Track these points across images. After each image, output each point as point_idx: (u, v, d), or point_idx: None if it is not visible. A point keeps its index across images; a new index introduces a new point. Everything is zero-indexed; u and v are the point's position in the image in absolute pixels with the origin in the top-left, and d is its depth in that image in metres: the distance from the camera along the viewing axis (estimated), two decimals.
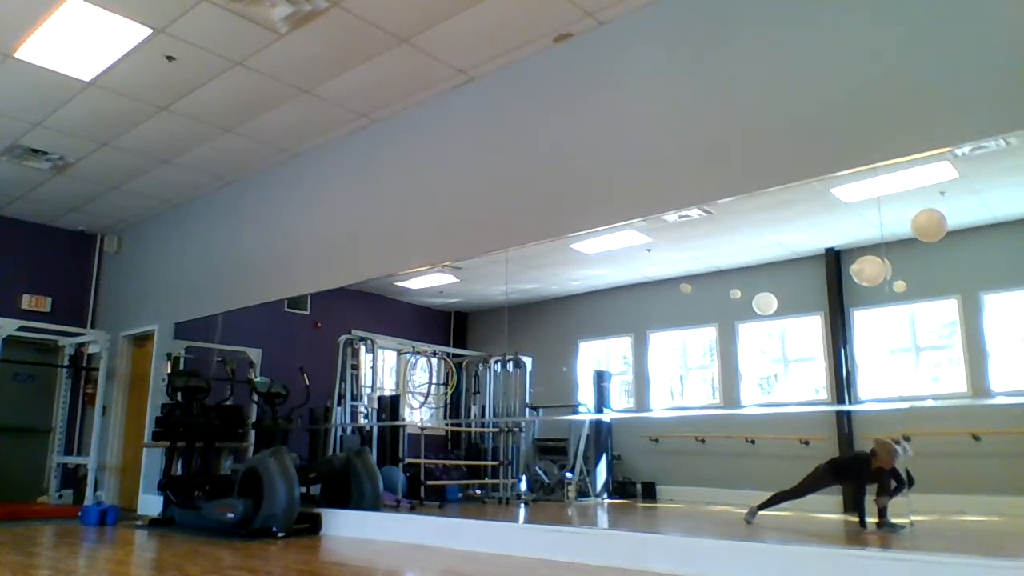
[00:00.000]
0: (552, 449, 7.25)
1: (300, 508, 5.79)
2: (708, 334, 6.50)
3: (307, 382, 6.58)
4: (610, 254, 5.97)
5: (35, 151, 7.03)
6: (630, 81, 4.87)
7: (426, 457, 7.05)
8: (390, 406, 7.60)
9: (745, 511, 4.94)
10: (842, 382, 5.50)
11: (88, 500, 7.87)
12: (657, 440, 6.63)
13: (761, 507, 4.91)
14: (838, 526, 4.98)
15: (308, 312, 7.32)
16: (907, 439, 4.40)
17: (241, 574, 3.97)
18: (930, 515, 4.46)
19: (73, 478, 8.67)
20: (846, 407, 5.42)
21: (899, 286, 4.33)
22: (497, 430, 7.42)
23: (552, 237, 5.17)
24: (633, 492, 6.63)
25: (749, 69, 4.32)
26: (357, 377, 7.55)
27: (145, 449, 7.94)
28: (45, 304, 8.97)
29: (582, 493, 6.88)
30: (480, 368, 7.47)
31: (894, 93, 3.76)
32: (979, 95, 3.51)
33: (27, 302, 8.82)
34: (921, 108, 3.69)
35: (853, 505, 4.92)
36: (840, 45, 4.00)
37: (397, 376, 7.76)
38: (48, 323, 8.54)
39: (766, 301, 5.85)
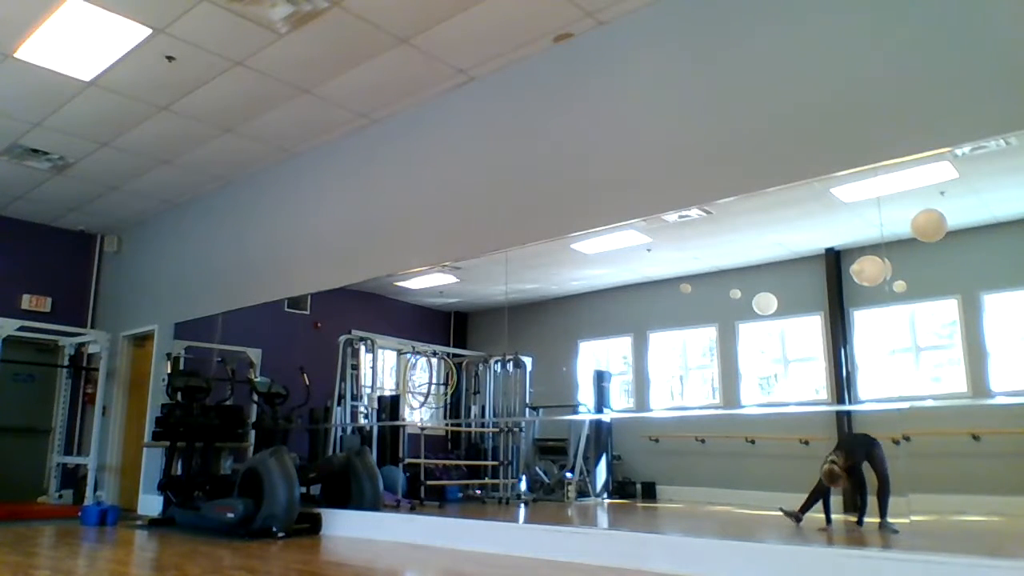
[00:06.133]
0: (552, 449, 7.24)
1: (300, 508, 5.78)
2: (708, 334, 6.50)
3: (307, 382, 6.58)
4: (610, 254, 5.96)
5: (35, 151, 7.03)
6: (630, 81, 4.87)
7: (426, 457, 7.05)
8: (390, 406, 7.60)
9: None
10: (842, 382, 5.50)
11: (88, 500, 7.88)
12: (657, 440, 6.63)
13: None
14: (838, 525, 4.98)
15: (308, 312, 7.32)
16: (907, 439, 4.40)
17: (241, 574, 3.97)
18: (930, 515, 4.46)
19: (73, 478, 8.67)
20: (846, 407, 5.42)
21: (899, 286, 4.33)
22: (497, 430, 7.41)
23: (552, 237, 5.17)
24: (633, 492, 6.64)
25: (749, 69, 4.32)
26: (357, 377, 7.55)
27: (145, 449, 7.94)
28: (45, 304, 8.97)
29: (582, 493, 6.88)
30: (480, 368, 7.46)
31: (894, 93, 3.76)
32: (979, 95, 3.51)
33: (27, 302, 8.82)
34: (921, 108, 3.69)
35: (852, 505, 4.94)
36: (840, 45, 3.99)
37: (397, 376, 7.76)
38: (48, 323, 8.54)
39: (766, 301, 5.85)
